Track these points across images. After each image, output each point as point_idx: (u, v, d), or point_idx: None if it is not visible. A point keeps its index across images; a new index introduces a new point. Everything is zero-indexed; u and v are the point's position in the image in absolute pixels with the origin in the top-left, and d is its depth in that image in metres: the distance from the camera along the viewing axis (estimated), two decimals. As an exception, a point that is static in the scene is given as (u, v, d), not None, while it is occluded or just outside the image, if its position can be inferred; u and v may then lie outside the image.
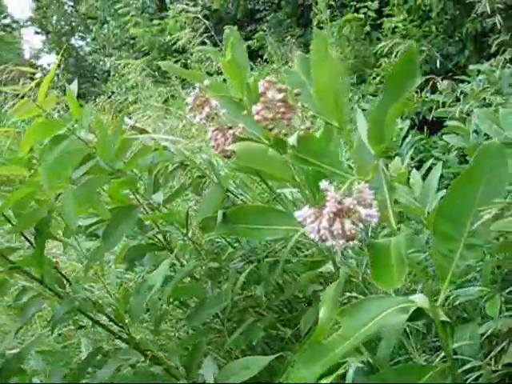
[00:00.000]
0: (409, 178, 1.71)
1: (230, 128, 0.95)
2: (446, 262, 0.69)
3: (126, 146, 1.21)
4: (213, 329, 1.25)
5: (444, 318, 0.74)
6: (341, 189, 0.57)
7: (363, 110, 2.96)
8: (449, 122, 2.49)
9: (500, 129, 1.35)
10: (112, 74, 6.08)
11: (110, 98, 5.50)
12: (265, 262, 1.16)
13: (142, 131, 1.26)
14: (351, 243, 0.57)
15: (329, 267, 1.12)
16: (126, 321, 0.98)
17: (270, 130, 0.60)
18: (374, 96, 3.50)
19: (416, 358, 1.06)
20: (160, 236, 1.20)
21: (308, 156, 0.64)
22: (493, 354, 1.04)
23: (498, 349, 1.03)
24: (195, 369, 1.09)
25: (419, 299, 0.72)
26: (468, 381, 1.02)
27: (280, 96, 0.58)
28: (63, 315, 0.93)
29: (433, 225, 0.70)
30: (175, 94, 4.05)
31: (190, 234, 1.23)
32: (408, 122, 2.83)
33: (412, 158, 2.71)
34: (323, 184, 0.57)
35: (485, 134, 2.01)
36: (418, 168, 2.38)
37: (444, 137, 2.54)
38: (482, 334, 1.13)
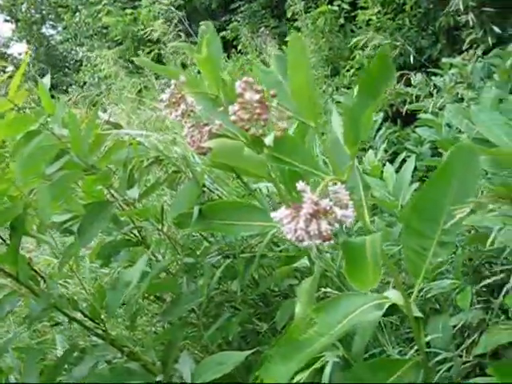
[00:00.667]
0: (382, 172, 1.74)
1: (206, 125, 0.95)
2: (419, 259, 0.71)
3: (99, 140, 1.20)
4: (189, 323, 1.25)
5: (417, 313, 0.75)
6: (317, 189, 0.58)
7: (337, 102, 2.98)
8: (422, 116, 2.53)
9: (472, 124, 1.37)
10: (84, 63, 6.00)
11: (82, 88, 5.43)
12: (240, 257, 1.16)
13: (117, 126, 1.25)
14: (327, 243, 0.57)
15: (304, 262, 1.13)
16: (102, 317, 0.98)
17: (247, 130, 0.60)
18: (348, 88, 3.51)
19: (390, 350, 1.08)
20: (135, 231, 1.20)
21: (284, 155, 0.64)
22: (464, 346, 1.06)
23: (470, 340, 1.05)
24: (171, 363, 1.09)
25: (393, 295, 0.74)
26: (440, 372, 1.04)
27: (257, 97, 0.58)
28: (40, 313, 0.93)
29: (405, 222, 0.71)
30: (149, 85, 4.02)
31: (165, 229, 1.23)
32: (381, 115, 2.85)
33: (386, 151, 2.74)
34: (300, 185, 0.57)
35: (457, 128, 2.03)
36: (392, 161, 2.41)
37: (417, 130, 2.57)
38: (454, 326, 1.15)
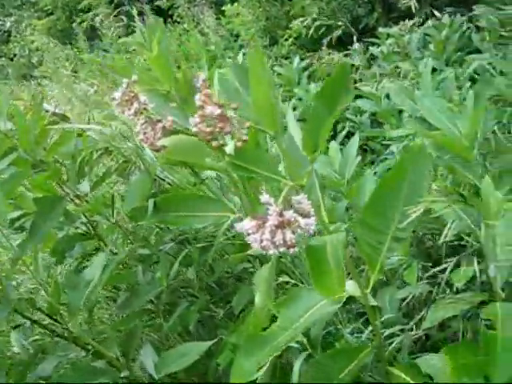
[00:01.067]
0: (328, 148, 1.77)
1: (159, 121, 0.94)
2: (374, 253, 0.74)
3: (45, 133, 1.17)
4: (146, 310, 1.26)
5: (373, 303, 0.79)
6: (279, 199, 0.60)
7: (279, 74, 2.99)
8: (362, 88, 2.57)
9: (413, 103, 1.42)
10: (13, 35, 5.74)
11: (12, 60, 5.21)
12: (195, 244, 1.18)
13: (64, 117, 1.22)
14: (291, 250, 0.60)
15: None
16: (63, 315, 0.97)
17: (209, 141, 0.61)
18: (286, 58, 3.52)
19: (343, 328, 1.12)
20: (88, 225, 1.19)
21: (244, 163, 0.65)
22: (414, 321, 1.11)
23: (419, 316, 1.11)
24: (133, 353, 1.10)
25: (350, 287, 0.77)
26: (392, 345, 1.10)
27: (218, 111, 0.58)
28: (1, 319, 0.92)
29: (361, 218, 0.74)
30: (83, 59, 3.89)
31: (116, 220, 1.22)
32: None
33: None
34: (264, 198, 0.59)
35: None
36: (334, 136, 2.46)
37: (357, 101, 2.63)
38: (403, 300, 1.20)
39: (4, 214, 1.00)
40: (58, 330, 0.97)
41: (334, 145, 1.68)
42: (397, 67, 2.65)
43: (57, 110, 1.22)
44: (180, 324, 1.14)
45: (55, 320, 0.95)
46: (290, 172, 0.66)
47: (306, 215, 0.60)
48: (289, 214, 0.58)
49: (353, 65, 3.01)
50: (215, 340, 1.03)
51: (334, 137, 2.72)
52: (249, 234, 0.60)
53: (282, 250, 0.59)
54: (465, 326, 1.04)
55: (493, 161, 1.09)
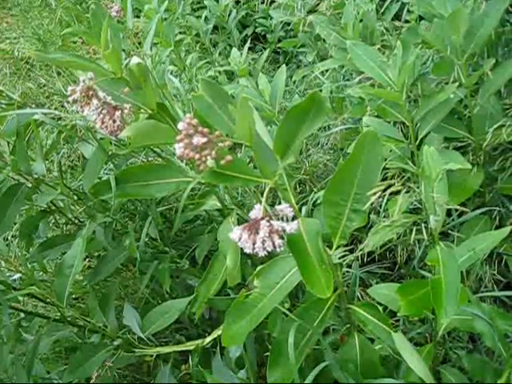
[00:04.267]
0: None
1: (116, 108, 0.97)
2: (336, 223, 0.86)
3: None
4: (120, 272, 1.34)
5: (337, 261, 0.92)
6: (262, 206, 0.69)
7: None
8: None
9: (342, 38, 1.48)
10: None
11: None
12: (154, 205, 1.24)
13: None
14: (279, 249, 0.69)
15: (215, 204, 1.23)
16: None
17: (196, 165, 0.67)
18: None
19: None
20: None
21: (224, 170, 0.73)
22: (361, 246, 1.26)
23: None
24: (109, 312, 1.18)
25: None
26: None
27: (204, 140, 0.64)
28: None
29: (324, 196, 0.85)
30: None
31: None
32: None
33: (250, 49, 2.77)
34: (253, 213, 0.68)
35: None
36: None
37: (271, 12, 2.64)
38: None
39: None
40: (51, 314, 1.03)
41: (263, 79, 1.74)
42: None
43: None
44: (154, 283, 1.23)
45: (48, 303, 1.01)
46: (264, 173, 0.74)
47: (289, 220, 0.70)
48: (276, 224, 0.67)
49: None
50: (191, 297, 1.14)
51: (244, 41, 2.76)
52: (241, 243, 0.69)
53: (270, 249, 0.69)
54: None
55: (420, 103, 1.20)
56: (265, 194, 0.71)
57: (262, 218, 0.68)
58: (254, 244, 0.68)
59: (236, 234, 0.69)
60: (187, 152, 0.66)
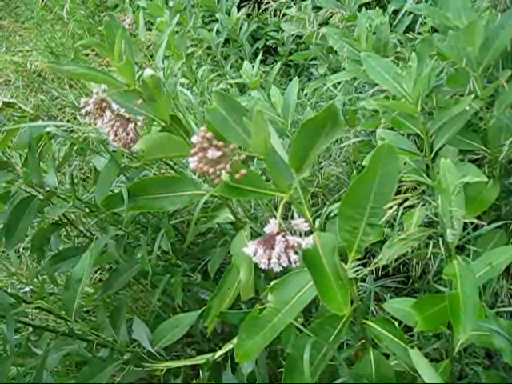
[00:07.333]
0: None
1: (129, 120, 0.97)
2: (351, 237, 0.84)
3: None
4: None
5: (352, 275, 0.90)
6: (277, 221, 0.68)
7: None
8: (287, 11, 2.57)
9: (353, 49, 1.48)
10: None
11: None
12: (166, 218, 1.23)
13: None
14: (295, 265, 0.68)
15: (227, 217, 1.22)
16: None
17: (210, 178, 0.66)
18: None
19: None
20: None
21: (238, 184, 0.72)
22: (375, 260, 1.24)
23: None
24: (119, 325, 1.17)
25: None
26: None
27: (219, 154, 0.64)
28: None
29: (339, 210, 0.83)
30: None
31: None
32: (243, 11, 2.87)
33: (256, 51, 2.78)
34: (268, 228, 0.67)
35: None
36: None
37: (282, 25, 2.64)
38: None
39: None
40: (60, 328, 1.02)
41: (275, 91, 1.74)
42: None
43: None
44: (166, 296, 1.22)
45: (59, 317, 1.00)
46: (279, 187, 0.73)
47: (305, 235, 0.69)
48: (291, 239, 0.66)
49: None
50: (202, 310, 1.12)
51: (255, 54, 2.76)
52: (256, 258, 0.68)
53: (285, 265, 0.68)
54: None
55: (435, 115, 1.19)
56: (279, 208, 0.69)
57: (278, 233, 0.67)
58: (269, 259, 0.67)
59: (251, 248, 0.67)
60: (201, 166, 0.65)
